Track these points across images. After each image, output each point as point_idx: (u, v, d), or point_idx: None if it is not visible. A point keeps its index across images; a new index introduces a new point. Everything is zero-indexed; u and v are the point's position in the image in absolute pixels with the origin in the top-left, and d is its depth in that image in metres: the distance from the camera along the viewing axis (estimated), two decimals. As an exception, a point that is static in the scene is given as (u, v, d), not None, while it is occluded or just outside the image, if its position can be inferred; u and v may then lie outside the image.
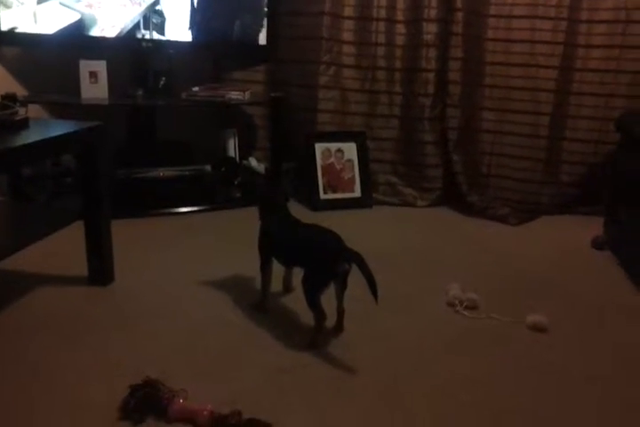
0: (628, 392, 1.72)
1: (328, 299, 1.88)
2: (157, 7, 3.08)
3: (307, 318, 1.94)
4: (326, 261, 1.83)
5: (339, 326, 1.96)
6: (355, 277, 1.83)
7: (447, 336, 1.99)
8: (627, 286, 2.43)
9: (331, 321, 1.93)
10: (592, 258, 2.74)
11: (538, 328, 2.02)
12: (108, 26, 2.99)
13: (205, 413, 1.47)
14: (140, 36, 3.08)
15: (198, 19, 3.23)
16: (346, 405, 1.60)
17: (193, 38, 3.26)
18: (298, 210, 3.24)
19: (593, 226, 2.91)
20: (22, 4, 2.79)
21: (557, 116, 3.30)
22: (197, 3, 3.21)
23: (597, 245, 2.83)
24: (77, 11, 2.90)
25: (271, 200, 2.08)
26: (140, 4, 3.03)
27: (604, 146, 3.24)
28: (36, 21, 2.83)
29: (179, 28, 3.19)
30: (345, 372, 1.75)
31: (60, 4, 2.87)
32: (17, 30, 2.81)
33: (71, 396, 1.60)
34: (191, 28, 3.23)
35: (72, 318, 2.02)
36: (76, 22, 2.92)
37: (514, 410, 1.62)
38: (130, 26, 3.04)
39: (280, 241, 2.02)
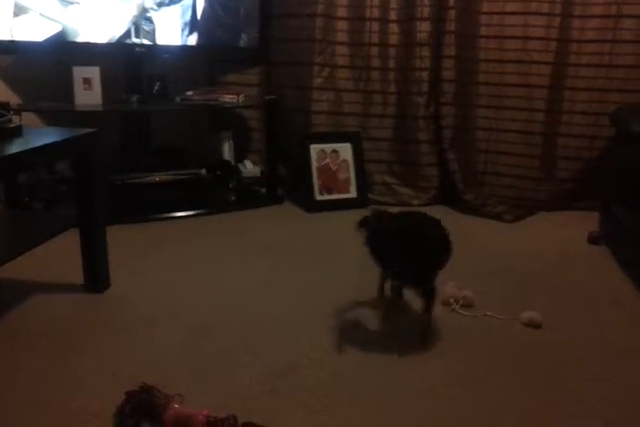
0: (625, 389, 1.71)
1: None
2: (148, 14, 3.08)
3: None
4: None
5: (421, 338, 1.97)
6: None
7: (443, 335, 1.99)
8: (622, 280, 2.43)
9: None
10: (588, 253, 2.74)
11: (533, 325, 2.03)
12: (96, 33, 2.98)
13: (201, 417, 1.46)
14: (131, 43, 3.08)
15: (200, 24, 3.23)
16: (341, 407, 1.61)
17: (190, 43, 3.25)
18: (293, 212, 3.28)
19: (589, 221, 2.91)
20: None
21: (552, 112, 3.30)
22: (202, 12, 3.21)
23: (593, 240, 2.83)
24: (59, 22, 2.87)
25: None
26: (129, 11, 3.02)
27: (600, 141, 3.24)
28: (12, 35, 2.78)
29: (171, 33, 3.19)
30: (340, 374, 1.75)
31: (41, 15, 2.82)
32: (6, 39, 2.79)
33: (67, 403, 1.60)
34: (190, 33, 3.23)
35: (68, 325, 2.02)
36: (57, 33, 2.88)
37: (509, 407, 1.61)
38: (120, 33, 3.03)
39: None
